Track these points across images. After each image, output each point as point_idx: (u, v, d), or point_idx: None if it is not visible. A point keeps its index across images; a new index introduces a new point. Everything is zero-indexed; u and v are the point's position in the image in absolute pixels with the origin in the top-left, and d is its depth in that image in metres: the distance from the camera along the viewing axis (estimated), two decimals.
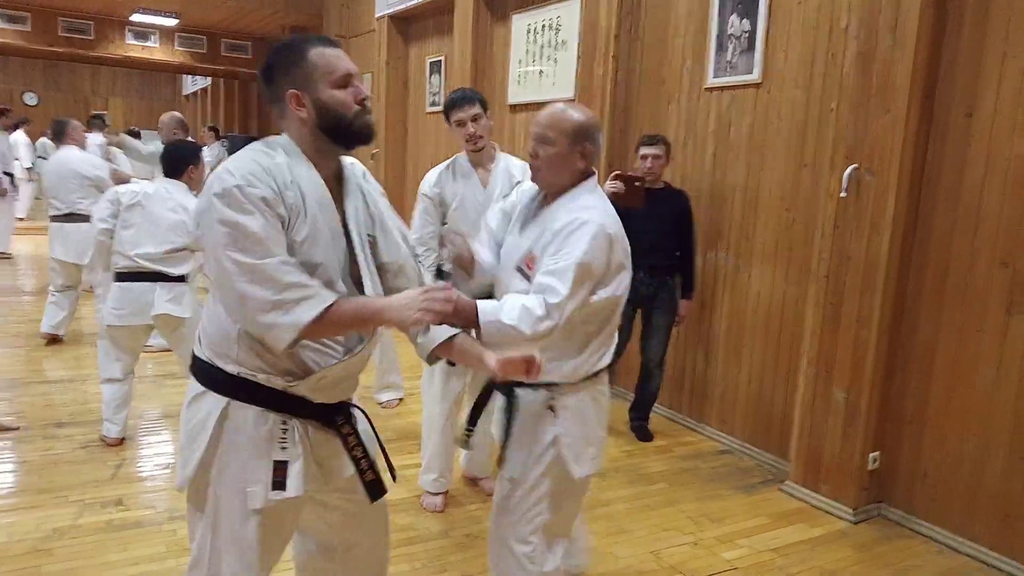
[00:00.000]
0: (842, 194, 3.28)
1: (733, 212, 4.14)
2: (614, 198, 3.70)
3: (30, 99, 19.86)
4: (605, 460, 3.88)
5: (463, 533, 3.08)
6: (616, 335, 2.20)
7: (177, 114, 6.15)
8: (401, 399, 4.61)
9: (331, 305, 1.52)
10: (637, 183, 3.64)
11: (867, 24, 3.18)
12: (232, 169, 1.52)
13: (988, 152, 2.99)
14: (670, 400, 4.58)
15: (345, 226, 1.67)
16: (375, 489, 1.80)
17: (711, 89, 4.25)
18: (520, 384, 2.10)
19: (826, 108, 3.56)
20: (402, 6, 7.56)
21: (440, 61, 7.30)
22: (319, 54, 1.59)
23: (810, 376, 3.48)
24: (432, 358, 1.87)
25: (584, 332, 2.06)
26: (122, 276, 3.67)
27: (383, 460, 1.88)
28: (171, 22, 11.82)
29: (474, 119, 3.05)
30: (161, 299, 3.65)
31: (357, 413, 1.83)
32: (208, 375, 1.68)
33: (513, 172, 3.15)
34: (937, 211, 3.17)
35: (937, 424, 3.21)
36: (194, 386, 1.71)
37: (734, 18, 4.09)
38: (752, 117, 4.02)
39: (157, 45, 12.73)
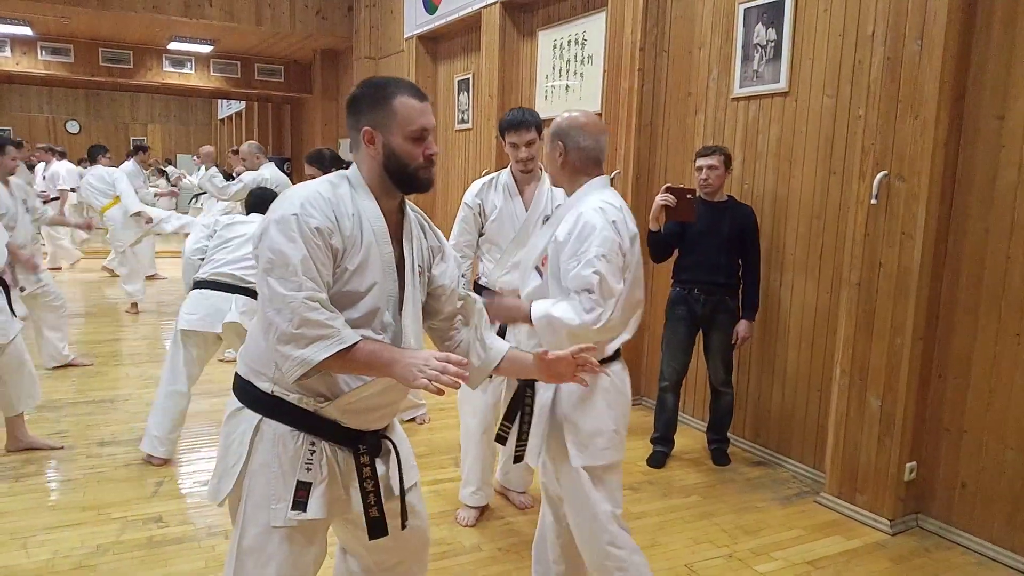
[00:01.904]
0: (872, 201, 3.25)
1: (762, 221, 4.11)
2: (666, 212, 3.71)
3: (72, 127, 20.47)
4: (639, 473, 3.89)
5: (496, 547, 3.09)
6: (629, 327, 2.24)
7: (255, 143, 7.02)
8: (424, 412, 4.60)
9: (344, 349, 1.55)
10: (689, 196, 3.61)
11: (894, 29, 3.16)
12: (295, 197, 1.60)
13: (1021, 155, 2.94)
14: (703, 412, 4.55)
15: (400, 259, 1.72)
16: (376, 527, 1.74)
17: (738, 99, 4.25)
18: None
19: (854, 115, 3.54)
20: (430, 26, 7.66)
21: (468, 79, 7.38)
22: (403, 104, 1.65)
23: (844, 385, 3.44)
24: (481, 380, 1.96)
25: None
26: (200, 284, 3.83)
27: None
28: (206, 49, 12.12)
29: (528, 144, 3.11)
30: (236, 309, 3.78)
31: (390, 445, 1.83)
32: (245, 392, 1.74)
33: (556, 192, 3.19)
34: (970, 216, 3.13)
35: (975, 432, 3.15)
36: (232, 402, 1.77)
37: (759, 27, 4.08)
38: (779, 126, 4.01)
39: (193, 71, 13.04)
